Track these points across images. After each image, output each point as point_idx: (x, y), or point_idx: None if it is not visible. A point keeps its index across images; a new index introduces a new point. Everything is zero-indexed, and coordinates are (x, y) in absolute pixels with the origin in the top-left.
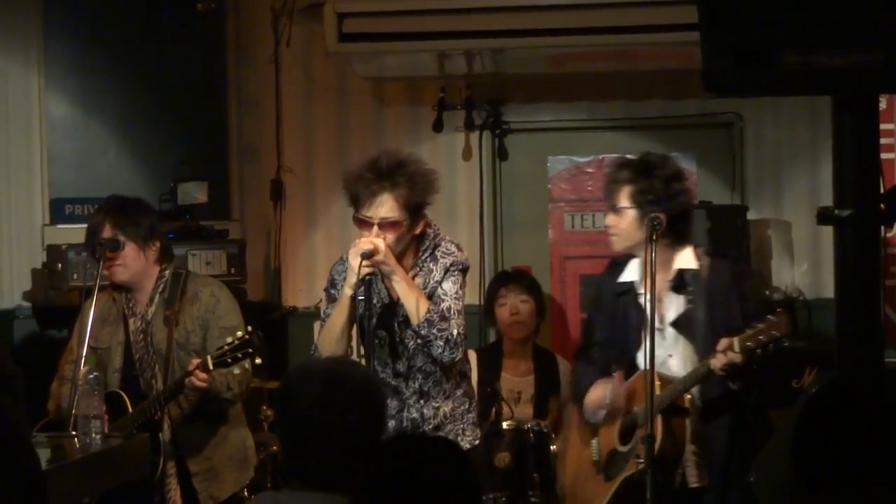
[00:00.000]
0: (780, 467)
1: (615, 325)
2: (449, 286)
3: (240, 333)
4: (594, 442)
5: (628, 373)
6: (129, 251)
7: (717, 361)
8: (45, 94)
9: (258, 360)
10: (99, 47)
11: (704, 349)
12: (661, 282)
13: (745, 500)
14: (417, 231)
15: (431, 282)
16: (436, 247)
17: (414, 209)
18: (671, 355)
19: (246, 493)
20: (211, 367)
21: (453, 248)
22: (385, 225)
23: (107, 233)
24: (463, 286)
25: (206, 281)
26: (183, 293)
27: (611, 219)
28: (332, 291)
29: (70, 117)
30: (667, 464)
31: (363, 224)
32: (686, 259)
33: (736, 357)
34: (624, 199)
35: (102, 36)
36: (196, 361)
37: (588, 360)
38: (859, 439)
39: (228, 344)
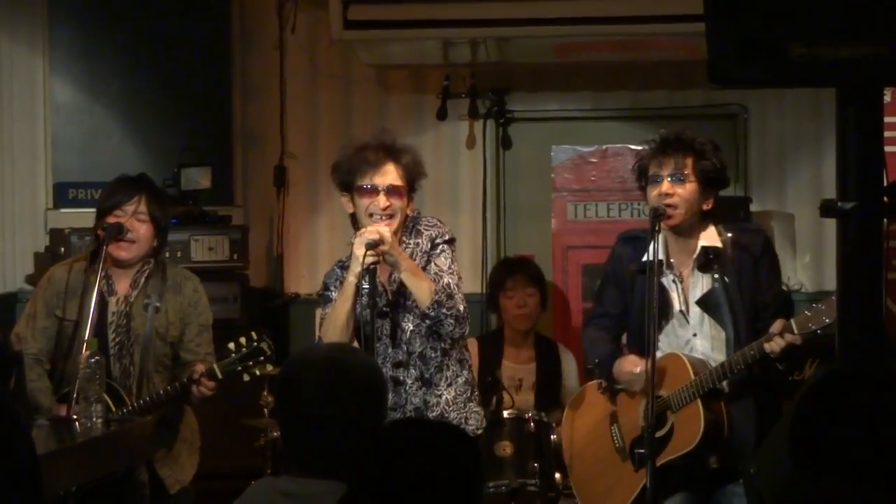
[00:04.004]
0: (779, 458)
1: (631, 302)
2: (442, 261)
3: (244, 340)
4: (614, 428)
5: (639, 353)
6: (147, 231)
7: (776, 345)
8: (49, 78)
9: (269, 368)
10: (104, 32)
11: (734, 328)
12: (686, 261)
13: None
14: (409, 211)
15: (420, 252)
16: (415, 223)
17: (411, 186)
18: (696, 335)
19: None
20: (220, 376)
21: (434, 221)
22: (392, 191)
23: (137, 206)
24: (455, 259)
25: (187, 274)
26: (163, 281)
27: (675, 188)
28: (326, 294)
29: (74, 102)
30: (710, 447)
31: (367, 193)
32: (710, 236)
33: (796, 339)
34: (690, 170)
35: (107, 20)
36: (200, 368)
37: (600, 327)
38: (858, 431)
39: (237, 352)
